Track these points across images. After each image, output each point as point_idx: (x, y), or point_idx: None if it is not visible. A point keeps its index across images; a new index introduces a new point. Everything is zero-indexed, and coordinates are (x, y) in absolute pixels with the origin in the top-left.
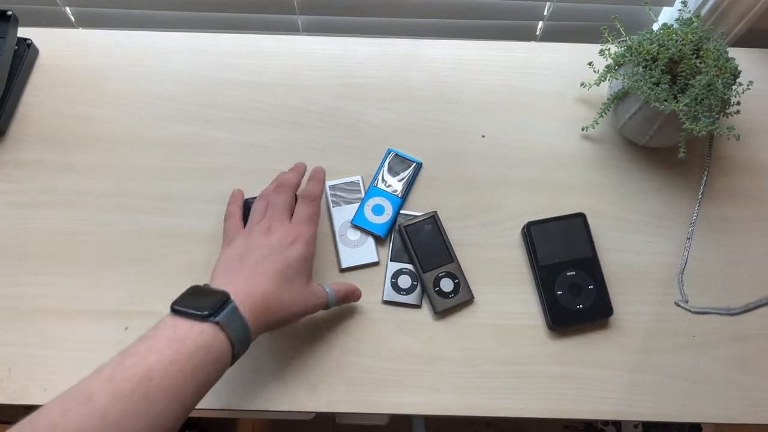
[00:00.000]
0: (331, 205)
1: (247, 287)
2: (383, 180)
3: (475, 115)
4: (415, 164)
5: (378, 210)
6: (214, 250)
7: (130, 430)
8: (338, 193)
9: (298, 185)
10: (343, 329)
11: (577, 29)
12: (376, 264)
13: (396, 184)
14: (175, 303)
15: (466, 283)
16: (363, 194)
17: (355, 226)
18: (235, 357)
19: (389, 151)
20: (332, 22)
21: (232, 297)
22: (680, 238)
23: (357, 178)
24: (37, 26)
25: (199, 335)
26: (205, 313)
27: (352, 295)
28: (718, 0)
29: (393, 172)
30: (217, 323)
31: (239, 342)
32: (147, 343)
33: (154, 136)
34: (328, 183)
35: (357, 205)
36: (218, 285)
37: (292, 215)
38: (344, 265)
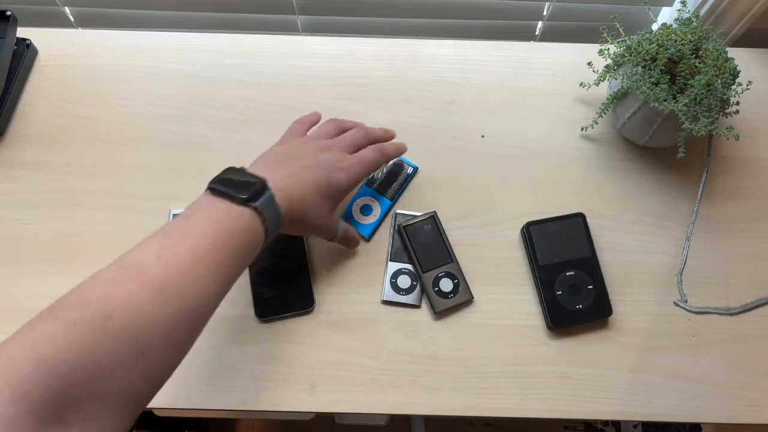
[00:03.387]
0: None
1: (283, 180)
2: (375, 180)
3: (475, 115)
4: (409, 167)
5: (366, 210)
6: None
7: (179, 303)
8: None
9: (378, 140)
10: (342, 329)
11: (577, 29)
12: None
13: (387, 186)
14: (213, 182)
15: (466, 283)
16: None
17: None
18: (266, 242)
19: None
20: (332, 22)
21: (270, 185)
22: (680, 238)
23: None
24: (37, 26)
25: (238, 219)
26: (245, 196)
27: (353, 243)
28: (717, 0)
29: (386, 173)
30: (255, 208)
31: (272, 229)
32: (188, 223)
33: (154, 136)
34: (173, 211)
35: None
36: (258, 171)
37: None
38: None
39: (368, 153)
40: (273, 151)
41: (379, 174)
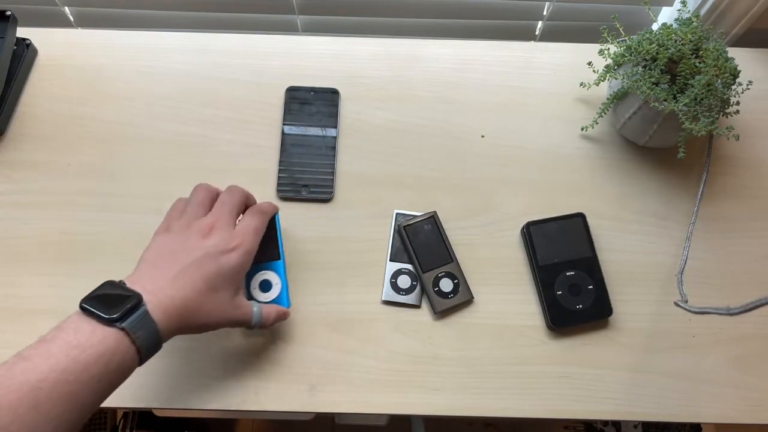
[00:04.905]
0: None
1: (168, 288)
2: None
3: (475, 115)
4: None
5: (265, 286)
6: None
7: None
8: None
9: (248, 198)
10: (342, 329)
11: (577, 29)
12: None
13: (266, 247)
14: (84, 300)
15: (466, 283)
16: None
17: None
18: (142, 361)
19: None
20: (332, 22)
21: (148, 298)
22: (680, 238)
23: None
24: (36, 26)
25: (101, 342)
26: (113, 317)
27: (280, 316)
28: (717, 0)
29: None
30: (122, 329)
31: (147, 347)
32: (43, 347)
33: (154, 136)
34: None
35: None
36: (138, 279)
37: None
38: None
39: (252, 221)
40: (154, 248)
41: None
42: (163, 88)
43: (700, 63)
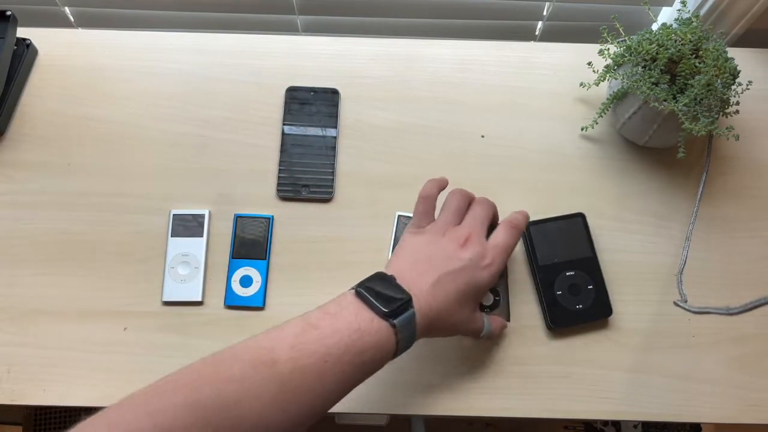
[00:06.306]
0: (170, 233)
1: (427, 296)
2: (239, 248)
3: (475, 115)
4: (265, 220)
5: (246, 281)
6: (213, 250)
7: (300, 402)
8: (180, 223)
9: (495, 209)
10: None
11: (577, 29)
12: (199, 303)
13: (254, 247)
14: (360, 286)
15: None
16: (205, 230)
17: (230, 307)
18: (390, 360)
19: (236, 217)
20: (332, 22)
21: (414, 302)
22: (679, 238)
23: (204, 211)
24: (37, 26)
25: (377, 333)
26: (387, 311)
27: (500, 330)
28: (717, 0)
29: (245, 235)
30: (393, 326)
31: (402, 348)
32: (329, 320)
33: (154, 136)
34: (173, 211)
35: (195, 239)
36: (404, 279)
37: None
38: (165, 299)
39: (506, 238)
40: (413, 249)
41: (239, 240)
42: (163, 88)
43: (699, 63)
